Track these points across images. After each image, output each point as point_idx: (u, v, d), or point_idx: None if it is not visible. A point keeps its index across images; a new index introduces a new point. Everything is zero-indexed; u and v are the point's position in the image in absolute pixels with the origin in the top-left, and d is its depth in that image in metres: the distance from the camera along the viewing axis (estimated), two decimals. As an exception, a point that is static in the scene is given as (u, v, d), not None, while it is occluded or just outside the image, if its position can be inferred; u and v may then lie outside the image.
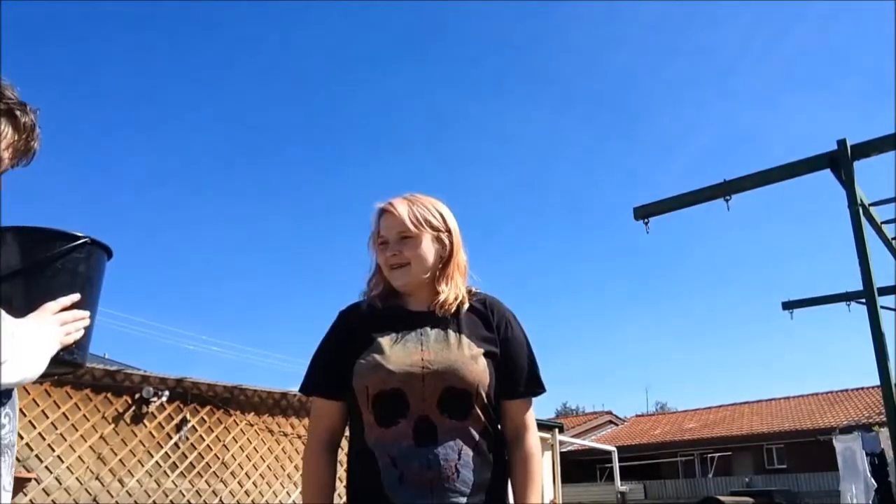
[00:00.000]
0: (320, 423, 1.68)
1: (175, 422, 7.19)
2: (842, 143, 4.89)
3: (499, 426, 1.68)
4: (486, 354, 1.62)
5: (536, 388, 1.71)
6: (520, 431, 1.67)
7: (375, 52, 50.13)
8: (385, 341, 1.60)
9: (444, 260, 1.71)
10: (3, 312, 1.25)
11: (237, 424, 7.70)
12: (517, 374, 1.67)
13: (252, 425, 7.83)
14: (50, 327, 1.31)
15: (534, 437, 1.68)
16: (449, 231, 1.72)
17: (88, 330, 1.42)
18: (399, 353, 1.58)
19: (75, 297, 1.38)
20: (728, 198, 5.39)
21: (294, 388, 8.31)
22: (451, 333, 1.63)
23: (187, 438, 7.20)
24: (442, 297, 1.67)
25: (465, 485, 1.52)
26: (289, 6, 46.22)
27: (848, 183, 4.84)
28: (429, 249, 1.68)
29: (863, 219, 4.85)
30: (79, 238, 1.41)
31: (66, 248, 1.39)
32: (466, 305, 1.69)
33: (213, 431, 7.45)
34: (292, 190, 47.73)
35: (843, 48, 48.51)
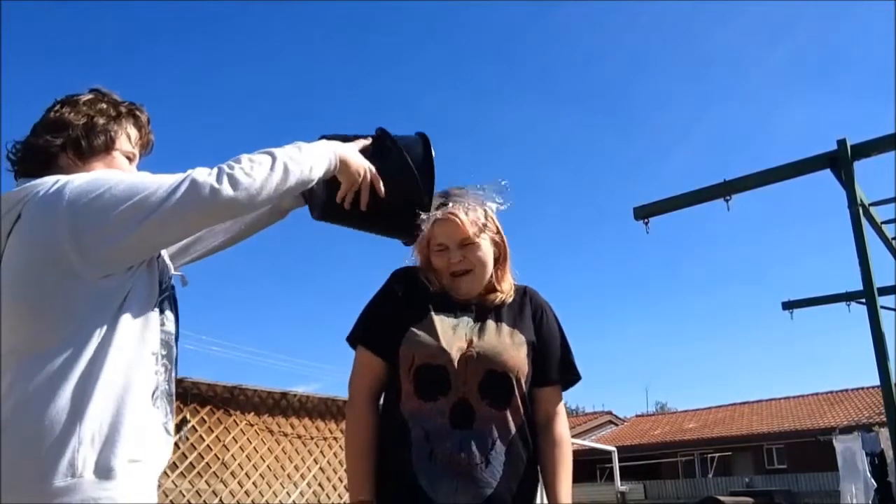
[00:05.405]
0: (367, 374, 1.65)
1: (175, 422, 7.18)
2: (842, 143, 4.88)
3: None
4: (526, 343, 1.66)
5: (570, 375, 1.74)
6: (550, 418, 1.68)
7: (372, 53, 50.13)
8: (438, 320, 1.62)
9: (498, 260, 1.75)
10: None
11: (237, 424, 7.69)
12: (550, 360, 1.70)
13: (252, 425, 7.82)
14: (338, 150, 1.48)
15: (564, 425, 1.70)
16: (499, 231, 1.77)
17: (373, 189, 1.57)
18: (450, 333, 1.61)
19: (366, 141, 1.62)
20: (728, 198, 5.38)
21: (294, 389, 8.32)
22: (499, 323, 1.67)
23: (187, 438, 7.19)
24: (500, 298, 1.71)
25: (493, 476, 1.53)
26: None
27: (848, 183, 4.83)
28: (489, 253, 1.72)
29: (863, 219, 4.85)
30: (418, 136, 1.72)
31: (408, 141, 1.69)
32: (511, 297, 1.74)
33: (213, 431, 7.44)
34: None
35: (843, 48, 48.57)
